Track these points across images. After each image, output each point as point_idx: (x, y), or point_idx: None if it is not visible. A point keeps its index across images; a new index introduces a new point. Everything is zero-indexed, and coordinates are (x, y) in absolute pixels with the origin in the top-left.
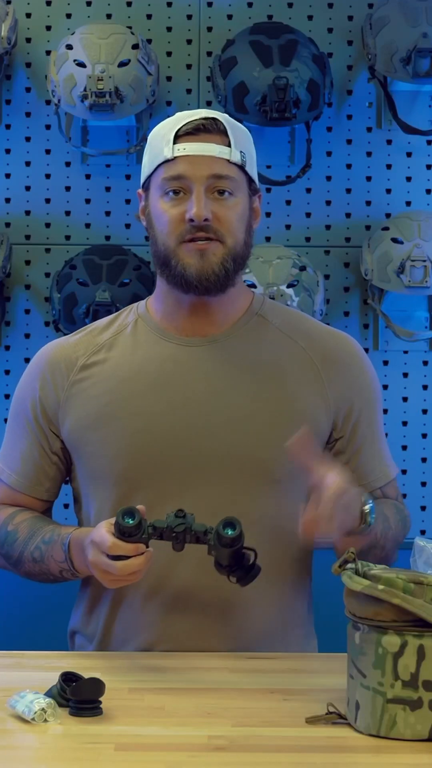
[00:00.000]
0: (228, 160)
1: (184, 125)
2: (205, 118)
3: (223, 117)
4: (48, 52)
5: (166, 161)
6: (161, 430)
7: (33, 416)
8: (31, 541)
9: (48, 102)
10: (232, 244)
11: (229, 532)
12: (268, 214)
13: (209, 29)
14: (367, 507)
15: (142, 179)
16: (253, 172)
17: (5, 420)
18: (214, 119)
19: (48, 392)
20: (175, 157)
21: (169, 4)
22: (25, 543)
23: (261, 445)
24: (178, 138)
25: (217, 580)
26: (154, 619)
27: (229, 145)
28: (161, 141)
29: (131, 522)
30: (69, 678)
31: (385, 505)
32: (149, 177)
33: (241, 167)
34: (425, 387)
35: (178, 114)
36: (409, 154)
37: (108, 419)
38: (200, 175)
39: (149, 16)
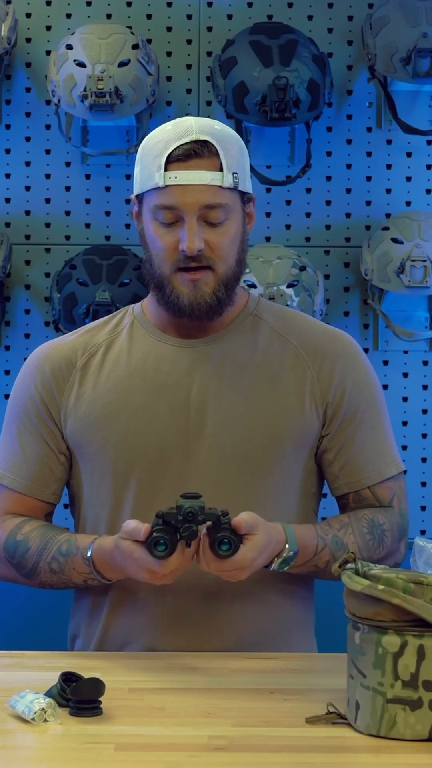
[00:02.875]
0: (220, 186)
1: (175, 149)
2: (196, 142)
3: (214, 137)
4: (48, 52)
5: (158, 188)
6: (160, 429)
7: (36, 416)
8: (46, 552)
9: (48, 102)
10: (224, 270)
11: (225, 549)
12: (268, 214)
13: (209, 29)
14: (281, 557)
15: (135, 188)
16: (246, 186)
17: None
18: (204, 142)
19: (50, 392)
20: (167, 186)
21: (169, 4)
22: (39, 553)
23: (255, 444)
24: (169, 164)
25: (216, 584)
26: (153, 623)
27: (221, 169)
28: (152, 163)
29: (164, 551)
30: (69, 678)
31: (348, 529)
32: (142, 192)
33: (234, 188)
34: (425, 387)
35: (169, 129)
36: (409, 154)
37: (108, 419)
38: (192, 206)
39: (149, 16)
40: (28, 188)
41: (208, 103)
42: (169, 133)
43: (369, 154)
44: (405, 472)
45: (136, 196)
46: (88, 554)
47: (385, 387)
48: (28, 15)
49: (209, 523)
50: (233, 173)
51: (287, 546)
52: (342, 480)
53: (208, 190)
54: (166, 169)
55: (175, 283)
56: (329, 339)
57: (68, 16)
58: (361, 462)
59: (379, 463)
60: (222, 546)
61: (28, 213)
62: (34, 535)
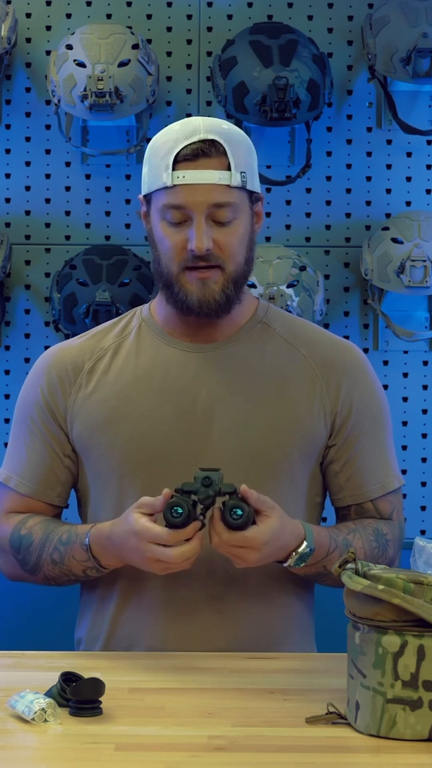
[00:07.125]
0: (228, 185)
1: (182, 149)
2: (204, 141)
3: (222, 136)
4: (48, 52)
5: (166, 187)
6: (166, 434)
7: (42, 420)
8: (48, 544)
9: (48, 102)
10: (233, 268)
11: (237, 515)
12: (268, 214)
13: (209, 29)
14: (298, 553)
15: (143, 189)
16: (254, 185)
17: (5, 420)
18: (212, 142)
19: (56, 396)
20: (175, 185)
21: (169, 4)
22: (41, 546)
23: (261, 451)
24: (177, 164)
25: (224, 583)
26: (158, 624)
27: (228, 168)
28: (160, 163)
29: (180, 514)
30: (69, 678)
31: (356, 535)
32: (150, 192)
33: (243, 188)
34: (425, 387)
35: (177, 128)
36: (409, 154)
37: (115, 422)
38: (200, 205)
39: (149, 16)
40: (28, 188)
41: (208, 103)
42: (177, 133)
43: (369, 154)
44: (404, 472)
45: (144, 196)
46: (86, 540)
47: (385, 387)
48: (28, 15)
49: (226, 497)
50: (241, 172)
51: (305, 543)
52: (346, 492)
53: (216, 189)
54: (174, 169)
55: (184, 281)
56: (338, 350)
57: (68, 16)
58: (366, 475)
59: (382, 476)
60: (234, 513)
61: (28, 213)
62: (37, 528)
